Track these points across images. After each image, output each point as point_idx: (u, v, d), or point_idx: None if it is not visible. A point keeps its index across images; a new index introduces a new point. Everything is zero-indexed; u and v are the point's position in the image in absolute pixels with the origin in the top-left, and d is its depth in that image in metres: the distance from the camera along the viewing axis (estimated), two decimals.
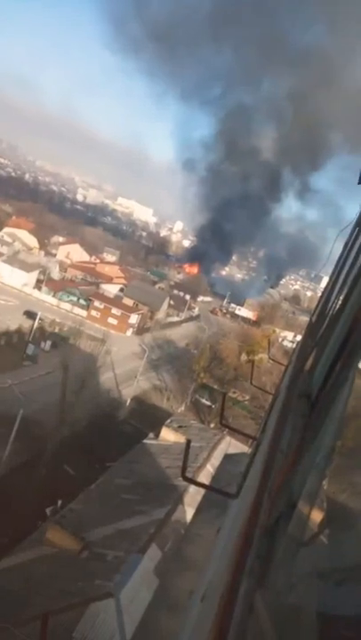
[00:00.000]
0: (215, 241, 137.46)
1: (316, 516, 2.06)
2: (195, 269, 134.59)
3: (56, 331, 57.15)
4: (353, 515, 3.04)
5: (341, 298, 3.49)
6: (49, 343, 51.15)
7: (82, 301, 70.88)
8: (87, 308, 69.89)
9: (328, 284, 7.86)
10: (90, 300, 70.35)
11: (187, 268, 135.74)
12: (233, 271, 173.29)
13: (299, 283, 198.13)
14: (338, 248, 7.09)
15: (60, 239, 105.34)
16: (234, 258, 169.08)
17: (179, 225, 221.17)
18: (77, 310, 69.19)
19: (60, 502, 25.37)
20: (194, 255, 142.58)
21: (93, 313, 69.16)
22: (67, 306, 69.96)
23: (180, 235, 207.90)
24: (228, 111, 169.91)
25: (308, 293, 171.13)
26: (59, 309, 68.06)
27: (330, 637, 1.13)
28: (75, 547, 17.66)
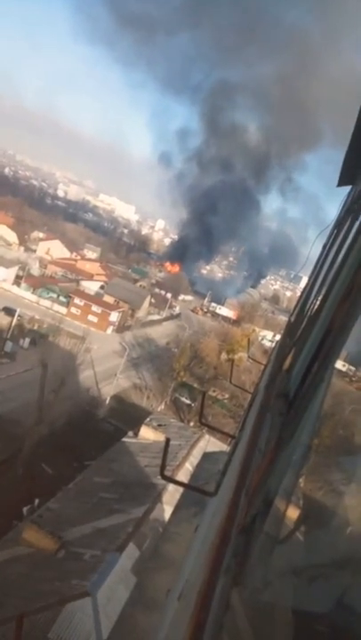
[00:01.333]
0: (197, 236, 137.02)
1: (293, 513, 2.09)
2: (176, 268, 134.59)
3: (35, 328, 56.36)
4: (329, 512, 3.09)
5: (320, 298, 3.54)
6: (28, 340, 50.42)
7: (62, 298, 70.07)
8: (67, 305, 69.14)
9: (307, 284, 7.97)
10: (70, 297, 69.62)
11: (168, 266, 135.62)
12: (214, 270, 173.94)
13: (278, 283, 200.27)
14: (317, 249, 7.20)
15: (41, 235, 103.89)
16: (216, 258, 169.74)
17: (160, 223, 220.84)
18: (57, 307, 68.37)
19: (37, 501, 25.06)
20: (175, 252, 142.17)
21: (73, 310, 68.46)
22: (46, 303, 69.07)
23: (161, 233, 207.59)
24: (211, 91, 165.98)
25: (288, 293, 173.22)
26: (38, 306, 67.13)
27: (304, 633, 1.15)
28: (51, 546, 17.49)
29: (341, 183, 6.25)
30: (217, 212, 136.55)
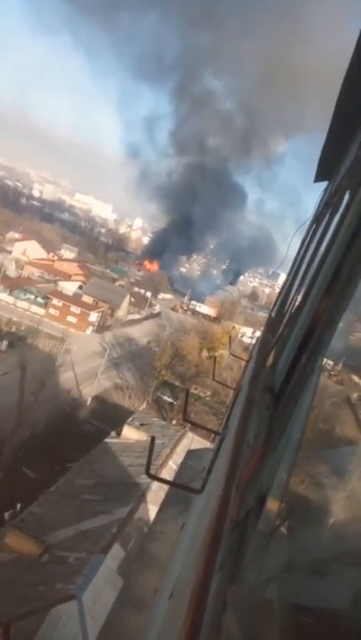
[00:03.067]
0: (175, 228, 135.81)
1: (275, 506, 2.10)
2: (155, 266, 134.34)
3: (13, 330, 55.42)
4: (313, 506, 3.13)
5: (301, 294, 3.57)
6: (5, 343, 49.57)
7: (39, 299, 69.08)
8: (45, 306, 68.22)
9: (286, 280, 8.05)
10: (48, 297, 68.70)
11: (147, 264, 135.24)
12: (193, 268, 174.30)
13: (257, 280, 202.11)
14: (295, 245, 7.28)
15: (16, 235, 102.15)
16: (194, 255, 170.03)
17: (138, 222, 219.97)
18: (35, 309, 67.39)
19: (19, 506, 24.70)
20: (154, 247, 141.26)
21: (52, 311, 67.60)
22: (24, 304, 67.99)
23: (139, 231, 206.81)
24: (184, 61, 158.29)
25: (267, 290, 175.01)
26: (15, 308, 66.03)
27: (301, 629, 1.15)
28: (35, 551, 17.27)
29: (318, 179, 6.33)
30: (195, 200, 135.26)
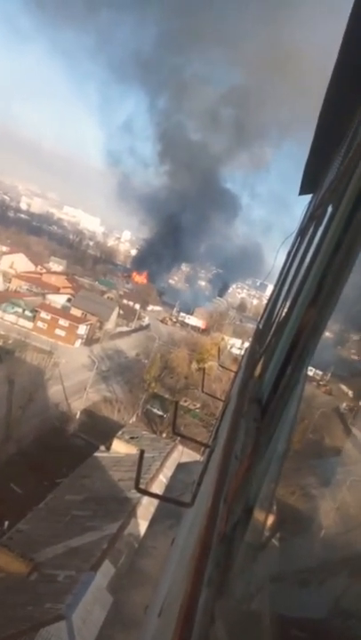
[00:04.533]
0: (164, 240, 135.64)
1: (268, 519, 2.09)
2: (144, 278, 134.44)
3: (0, 344, 54.84)
4: (303, 516, 3.12)
5: (287, 305, 3.61)
6: None
7: (27, 313, 68.56)
8: (33, 319, 67.70)
9: (273, 291, 8.13)
10: (36, 311, 68.23)
11: (136, 276, 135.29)
12: (182, 280, 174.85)
13: (245, 291, 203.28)
14: (282, 256, 7.38)
15: (4, 249, 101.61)
16: (183, 268, 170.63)
17: (127, 234, 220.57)
18: (23, 322, 66.83)
19: (6, 523, 24.19)
20: (142, 257, 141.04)
21: (40, 324, 67.08)
22: (11, 317, 67.40)
23: (128, 244, 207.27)
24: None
25: (255, 301, 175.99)
26: (3, 321, 65.42)
27: None
28: (23, 569, 16.89)
29: (303, 192, 6.45)
30: (183, 209, 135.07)
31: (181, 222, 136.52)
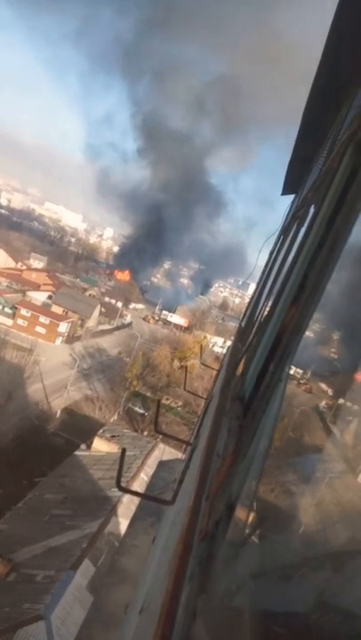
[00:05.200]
0: (146, 236, 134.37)
1: (244, 515, 2.11)
2: (126, 276, 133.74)
3: None
4: (283, 513, 3.16)
5: (270, 304, 3.64)
6: None
7: (7, 310, 67.51)
8: (13, 316, 66.70)
9: (255, 290, 8.19)
10: (16, 308, 67.24)
11: (117, 274, 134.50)
12: (164, 278, 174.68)
13: (227, 290, 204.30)
14: (264, 255, 7.43)
15: None
16: (165, 266, 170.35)
17: (109, 231, 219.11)
18: (2, 319, 65.79)
19: None
20: (124, 257, 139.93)
21: (20, 322, 66.14)
22: None
23: (110, 241, 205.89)
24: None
25: (237, 300, 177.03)
26: None
27: (267, 635, 1.15)
28: (1, 570, 16.70)
29: (285, 192, 6.51)
30: (166, 204, 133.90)
31: (164, 218, 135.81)
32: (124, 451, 4.32)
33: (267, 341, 2.57)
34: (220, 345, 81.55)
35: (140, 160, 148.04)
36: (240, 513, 1.75)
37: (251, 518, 2.10)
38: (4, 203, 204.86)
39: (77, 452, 30.16)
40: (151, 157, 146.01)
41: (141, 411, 50.01)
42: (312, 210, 2.87)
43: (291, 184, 6.28)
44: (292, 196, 6.58)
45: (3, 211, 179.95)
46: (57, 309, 73.10)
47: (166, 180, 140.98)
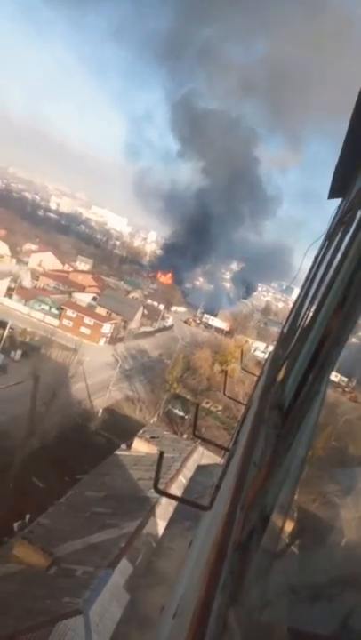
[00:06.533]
0: (191, 239, 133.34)
1: (289, 527, 2.06)
2: (169, 279, 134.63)
3: (27, 340, 55.95)
4: (323, 525, 3.07)
5: (312, 310, 3.55)
6: (19, 353, 50.01)
7: (54, 310, 69.75)
8: (59, 317, 68.82)
9: (299, 296, 8.01)
10: (62, 308, 69.34)
11: (161, 277, 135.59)
12: (207, 281, 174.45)
13: (270, 294, 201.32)
14: (309, 260, 7.27)
15: (33, 247, 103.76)
16: (207, 267, 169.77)
17: (153, 235, 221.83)
18: (49, 319, 68.02)
19: (28, 517, 24.63)
20: (167, 260, 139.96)
21: (65, 322, 68.14)
22: (38, 315, 68.70)
23: (154, 245, 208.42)
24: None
25: (280, 305, 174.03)
26: (30, 318, 66.74)
27: None
28: (43, 563, 17.17)
29: (332, 196, 6.33)
30: (212, 206, 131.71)
31: (206, 217, 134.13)
32: (161, 454, 4.35)
33: (308, 349, 2.51)
34: (261, 350, 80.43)
35: (182, 155, 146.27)
36: (276, 523, 1.72)
37: (288, 529, 2.05)
38: (54, 207, 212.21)
39: (118, 452, 30.63)
40: (194, 149, 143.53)
41: (181, 413, 50.11)
42: (359, 214, 2.77)
43: (338, 187, 6.10)
44: (338, 201, 6.39)
45: (52, 215, 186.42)
46: (101, 311, 74.76)
47: (210, 173, 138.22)
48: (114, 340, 70.74)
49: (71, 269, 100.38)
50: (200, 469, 27.47)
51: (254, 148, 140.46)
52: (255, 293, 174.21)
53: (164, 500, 21.32)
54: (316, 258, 6.36)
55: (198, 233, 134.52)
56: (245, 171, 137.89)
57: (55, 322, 67.69)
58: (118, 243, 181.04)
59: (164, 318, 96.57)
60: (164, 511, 21.04)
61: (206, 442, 27.31)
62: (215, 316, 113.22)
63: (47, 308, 70.10)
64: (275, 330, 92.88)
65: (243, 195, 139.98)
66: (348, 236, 2.83)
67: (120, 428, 41.08)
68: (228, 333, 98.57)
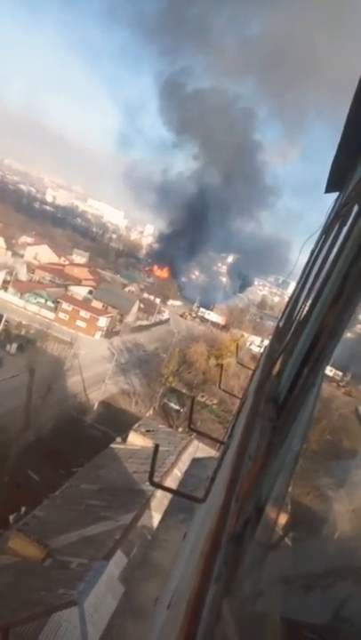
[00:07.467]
0: (187, 231, 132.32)
1: (282, 518, 2.07)
2: (165, 273, 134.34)
3: (22, 333, 55.82)
4: (317, 517, 3.09)
5: (308, 304, 3.56)
6: (14, 346, 49.93)
7: (49, 303, 69.57)
8: (55, 310, 68.66)
9: (295, 290, 8.02)
10: (58, 302, 69.16)
11: (157, 270, 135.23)
12: (203, 275, 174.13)
13: (266, 288, 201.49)
14: (305, 255, 7.27)
15: (28, 240, 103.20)
16: (204, 260, 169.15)
17: (149, 228, 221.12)
18: (45, 312, 67.85)
19: (23, 509, 24.72)
20: (163, 253, 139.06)
21: (61, 315, 68.00)
22: (34, 308, 68.50)
23: (150, 238, 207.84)
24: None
25: (276, 299, 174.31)
26: (25, 311, 66.54)
27: None
28: (38, 555, 17.25)
29: (329, 190, 6.32)
30: (206, 197, 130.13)
31: (203, 207, 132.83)
32: (157, 447, 4.37)
33: (304, 343, 2.51)
34: (257, 344, 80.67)
35: (176, 141, 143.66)
36: (270, 515, 1.73)
37: (282, 521, 2.06)
38: (50, 199, 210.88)
39: (113, 445, 30.72)
40: (187, 133, 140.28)
41: (177, 407, 50.28)
42: (356, 209, 2.77)
43: (335, 181, 6.09)
44: (335, 195, 6.39)
45: (48, 207, 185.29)
46: (97, 304, 74.63)
47: (205, 157, 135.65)
48: (110, 333, 70.69)
49: (67, 262, 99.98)
50: (195, 462, 27.60)
51: (253, 131, 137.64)
52: (251, 288, 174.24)
53: (159, 492, 21.43)
54: (312, 252, 6.36)
55: (194, 220, 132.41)
56: (243, 154, 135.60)
57: (51, 315, 67.53)
58: (115, 236, 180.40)
59: (160, 312, 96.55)
60: (159, 504, 21.15)
61: (202, 435, 27.43)
62: (211, 310, 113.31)
63: (43, 301, 69.89)
64: (270, 324, 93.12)
65: (240, 181, 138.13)
66: (345, 229, 2.83)
67: (115, 421, 41.18)
68: (224, 327, 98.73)
